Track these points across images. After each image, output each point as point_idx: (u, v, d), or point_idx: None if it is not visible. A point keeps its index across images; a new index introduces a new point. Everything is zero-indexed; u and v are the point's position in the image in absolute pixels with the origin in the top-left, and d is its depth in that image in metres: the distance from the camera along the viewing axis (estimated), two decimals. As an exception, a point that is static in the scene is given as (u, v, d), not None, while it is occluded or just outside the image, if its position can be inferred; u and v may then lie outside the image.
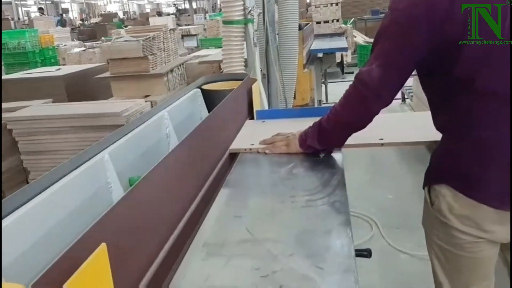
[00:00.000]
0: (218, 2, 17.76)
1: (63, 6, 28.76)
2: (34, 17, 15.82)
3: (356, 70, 2.08)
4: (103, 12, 28.46)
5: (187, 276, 0.90)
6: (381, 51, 1.14)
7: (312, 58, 4.93)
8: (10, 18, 16.55)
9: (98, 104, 3.11)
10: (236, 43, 2.68)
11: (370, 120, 1.24)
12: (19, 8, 24.55)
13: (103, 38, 8.45)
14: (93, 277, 0.66)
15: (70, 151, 2.55)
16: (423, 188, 1.24)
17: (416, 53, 1.11)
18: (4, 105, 3.11)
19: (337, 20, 6.86)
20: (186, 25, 12.02)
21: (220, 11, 12.55)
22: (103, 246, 0.69)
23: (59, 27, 12.11)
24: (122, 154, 1.25)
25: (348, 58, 6.93)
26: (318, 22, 6.79)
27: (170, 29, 4.42)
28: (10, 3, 22.75)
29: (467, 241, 1.14)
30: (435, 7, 1.03)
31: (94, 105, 3.06)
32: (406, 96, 5.75)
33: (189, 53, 5.91)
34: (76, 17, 27.09)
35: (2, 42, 7.49)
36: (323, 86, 6.00)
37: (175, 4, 30.65)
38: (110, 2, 34.73)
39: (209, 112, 1.84)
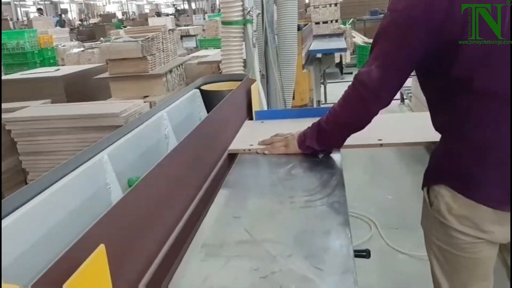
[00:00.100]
0: (217, 3, 17.78)
1: (62, 6, 28.76)
2: (33, 18, 15.78)
3: (355, 71, 2.08)
4: (102, 13, 28.45)
5: (186, 276, 0.90)
6: (380, 52, 1.14)
7: (311, 58, 4.94)
8: (9, 19, 16.57)
9: (97, 105, 3.11)
10: (235, 43, 2.68)
11: (369, 121, 1.24)
12: (18, 9, 24.58)
13: (102, 38, 8.46)
14: (92, 277, 0.66)
15: (69, 152, 2.54)
16: (422, 188, 1.24)
17: (415, 54, 1.11)
18: (3, 105, 3.09)
19: (336, 21, 6.88)
20: (185, 25, 12.03)
21: (219, 12, 12.55)
22: (101, 247, 0.69)
23: (58, 28, 12.08)
24: (121, 154, 1.25)
25: (347, 58, 6.96)
26: (317, 23, 6.81)
27: (169, 30, 4.41)
28: (9, 3, 22.77)
29: (466, 242, 1.14)
30: (433, 7, 1.03)
31: (93, 105, 3.05)
32: (405, 97, 5.75)
33: (188, 54, 5.89)
34: (75, 18, 27.06)
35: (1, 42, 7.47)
36: (322, 86, 6.00)
37: (174, 5, 30.64)
38: (109, 3, 34.73)
39: (208, 112, 1.84)
